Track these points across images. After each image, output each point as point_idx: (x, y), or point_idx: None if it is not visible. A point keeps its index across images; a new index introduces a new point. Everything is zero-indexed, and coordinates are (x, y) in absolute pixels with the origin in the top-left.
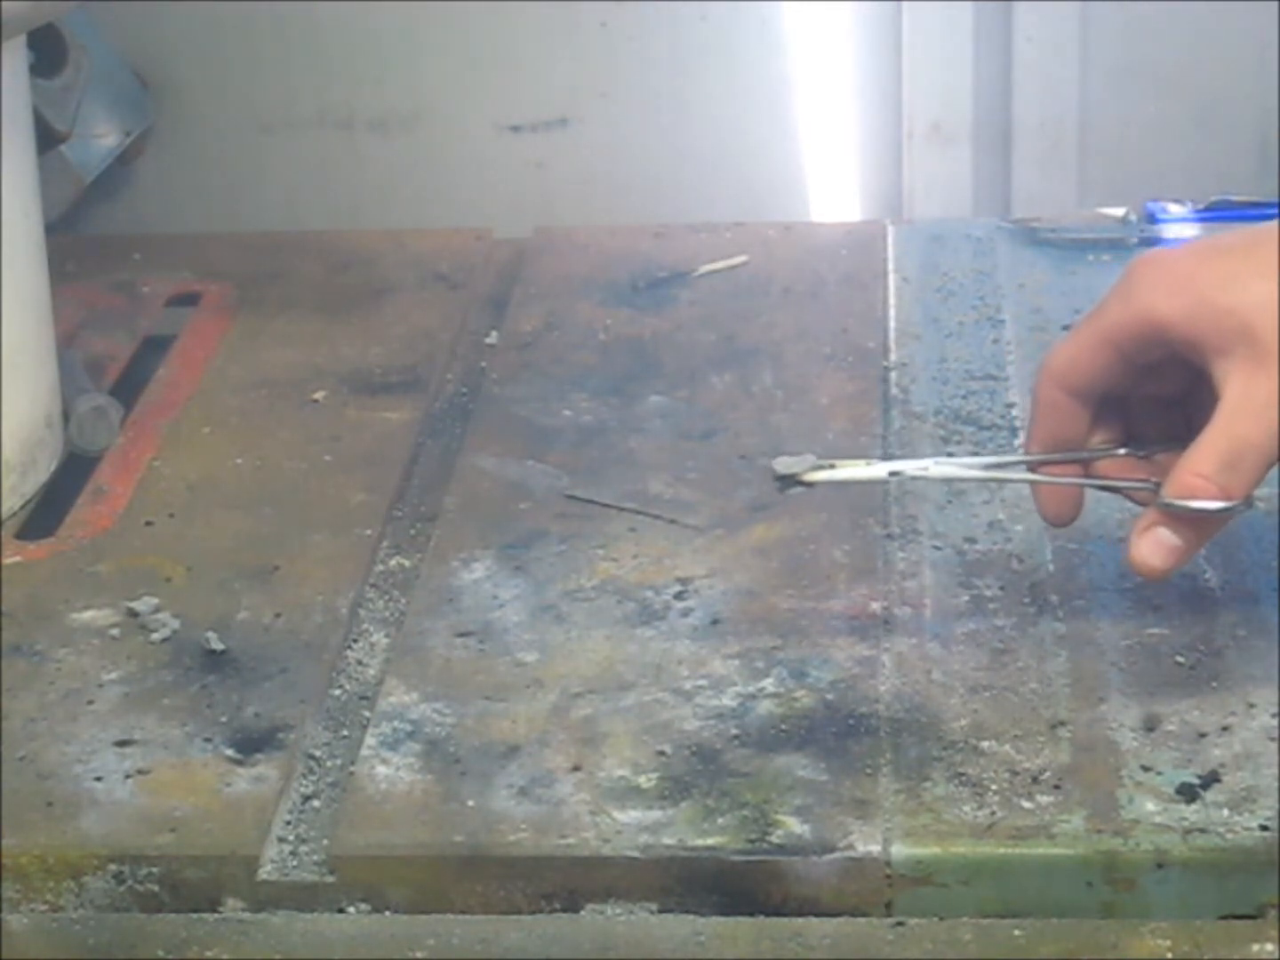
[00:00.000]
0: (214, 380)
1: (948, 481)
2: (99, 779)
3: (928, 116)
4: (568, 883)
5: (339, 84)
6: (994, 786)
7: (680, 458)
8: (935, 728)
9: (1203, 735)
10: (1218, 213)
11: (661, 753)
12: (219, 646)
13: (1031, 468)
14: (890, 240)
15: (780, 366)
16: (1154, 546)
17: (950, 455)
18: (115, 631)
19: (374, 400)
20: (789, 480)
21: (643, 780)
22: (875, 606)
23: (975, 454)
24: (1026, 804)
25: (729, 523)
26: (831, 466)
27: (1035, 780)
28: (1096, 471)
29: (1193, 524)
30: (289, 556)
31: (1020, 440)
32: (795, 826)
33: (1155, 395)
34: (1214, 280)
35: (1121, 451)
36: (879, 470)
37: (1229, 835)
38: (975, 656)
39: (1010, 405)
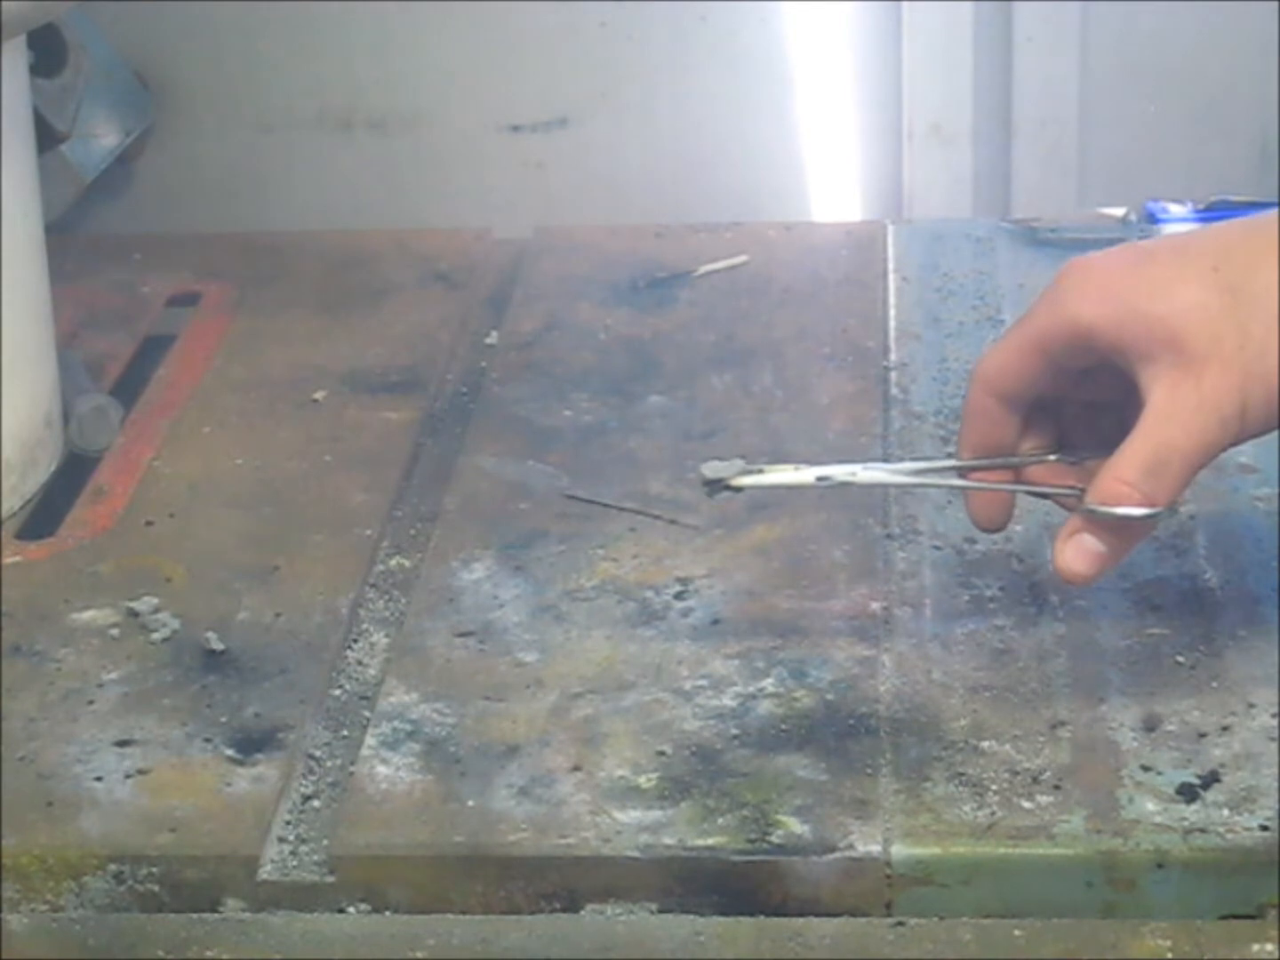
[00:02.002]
0: (214, 380)
1: (876, 487)
2: (99, 779)
3: (928, 116)
4: (568, 883)
5: (339, 84)
6: (994, 786)
7: (680, 458)
8: (935, 728)
9: (1203, 735)
10: (1218, 213)
11: (661, 753)
12: (219, 646)
13: (962, 473)
14: (890, 240)
15: (780, 366)
16: (1078, 553)
17: (950, 455)
18: (115, 631)
19: (374, 400)
20: (716, 485)
21: (643, 780)
22: (875, 606)
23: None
24: (1026, 804)
25: (729, 523)
26: (760, 471)
27: (1035, 780)
28: (1027, 477)
29: (1117, 530)
30: (289, 556)
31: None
32: (795, 826)
33: (1087, 401)
34: (1140, 287)
35: (1052, 457)
36: (806, 475)
37: (1229, 835)
38: (975, 656)
39: None
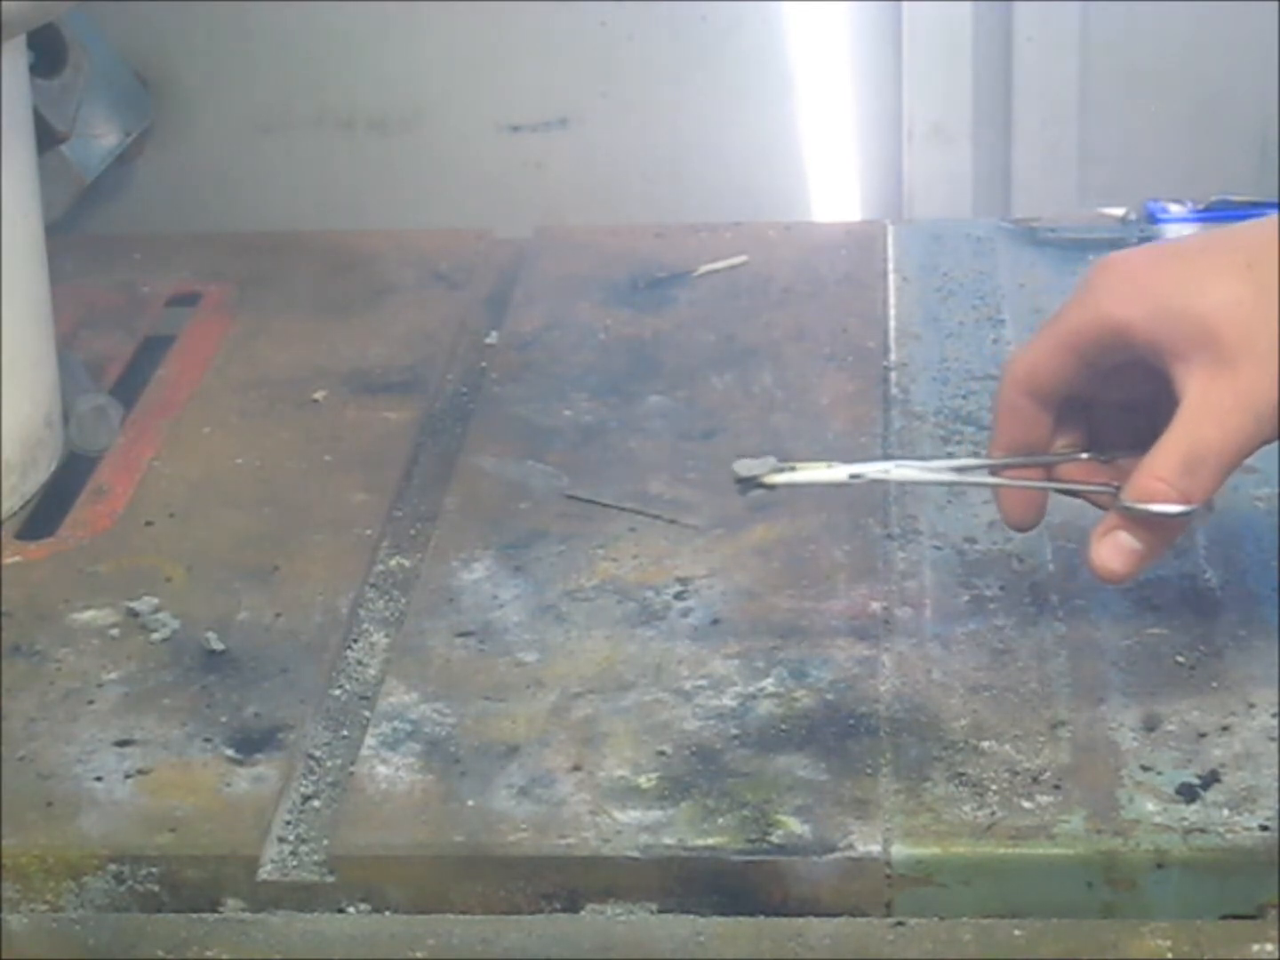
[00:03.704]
0: (214, 380)
1: (909, 484)
2: (99, 779)
3: (928, 116)
4: (568, 883)
5: (339, 84)
6: (994, 786)
7: (680, 458)
8: (935, 728)
9: (1203, 735)
10: (1218, 213)
11: (661, 753)
12: (219, 646)
13: (994, 471)
14: (890, 240)
15: (780, 366)
16: (1114, 550)
17: (951, 455)
18: (115, 631)
19: (374, 400)
20: (749, 483)
21: (643, 780)
22: (875, 606)
23: (975, 454)
24: (1026, 804)
25: (729, 523)
26: (792, 469)
27: (1035, 780)
28: (1059, 476)
29: (1152, 528)
30: (289, 556)
31: None
32: (795, 826)
33: (1119, 400)
34: (1172, 284)
35: (1084, 456)
36: (840, 473)
37: (1229, 835)
38: (975, 656)
39: None
